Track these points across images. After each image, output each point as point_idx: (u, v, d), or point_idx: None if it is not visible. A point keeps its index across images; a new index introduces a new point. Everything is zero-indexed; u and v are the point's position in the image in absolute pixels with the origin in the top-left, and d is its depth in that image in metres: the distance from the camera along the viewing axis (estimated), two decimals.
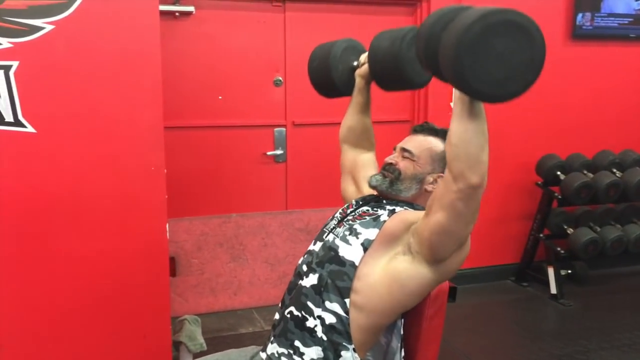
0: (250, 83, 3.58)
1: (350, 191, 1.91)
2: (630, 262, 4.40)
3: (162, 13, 3.09)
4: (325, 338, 1.49)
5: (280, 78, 3.63)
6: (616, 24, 4.15)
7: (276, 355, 1.55)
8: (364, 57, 1.87)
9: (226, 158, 3.59)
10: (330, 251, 1.56)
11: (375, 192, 1.74)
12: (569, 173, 3.88)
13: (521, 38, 1.15)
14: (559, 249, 3.92)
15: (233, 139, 3.59)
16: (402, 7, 3.77)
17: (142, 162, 2.35)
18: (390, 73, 1.73)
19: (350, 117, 1.95)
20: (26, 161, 2.21)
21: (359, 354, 1.51)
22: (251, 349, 1.73)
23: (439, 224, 1.37)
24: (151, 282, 2.43)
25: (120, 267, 2.37)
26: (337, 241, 1.57)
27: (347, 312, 1.49)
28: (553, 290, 3.86)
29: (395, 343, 1.61)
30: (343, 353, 1.49)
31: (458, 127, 1.27)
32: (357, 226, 1.57)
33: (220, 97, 3.52)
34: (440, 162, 1.62)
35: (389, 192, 1.66)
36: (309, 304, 1.52)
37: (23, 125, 2.18)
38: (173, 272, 3.46)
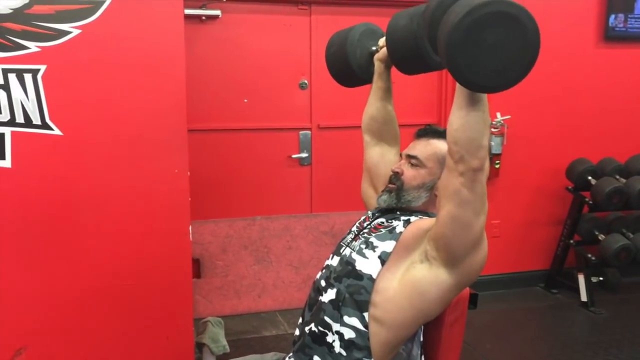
0: (276, 86, 3.60)
1: (368, 195, 1.88)
2: None
3: (189, 17, 3.14)
4: (344, 353, 1.48)
5: (306, 81, 3.63)
6: None
7: None
8: (382, 41, 1.79)
9: (251, 161, 3.61)
10: (348, 265, 1.54)
11: None
12: (600, 178, 3.80)
13: (511, 26, 1.15)
14: (589, 255, 3.84)
15: (258, 142, 3.61)
16: None
17: (165, 165, 2.37)
18: (410, 52, 1.63)
19: (372, 104, 1.89)
20: (52, 163, 2.24)
21: None
22: (271, 356, 1.72)
23: (448, 214, 1.35)
24: (174, 283, 2.45)
25: (144, 269, 2.39)
26: (354, 255, 1.55)
27: (366, 326, 1.47)
28: (583, 297, 3.78)
29: (416, 351, 1.58)
30: None
31: (459, 113, 1.28)
32: (373, 239, 1.55)
33: (245, 100, 3.55)
34: None
35: (398, 206, 1.63)
36: (327, 319, 1.51)
37: (50, 128, 2.22)
38: (198, 274, 3.49)
